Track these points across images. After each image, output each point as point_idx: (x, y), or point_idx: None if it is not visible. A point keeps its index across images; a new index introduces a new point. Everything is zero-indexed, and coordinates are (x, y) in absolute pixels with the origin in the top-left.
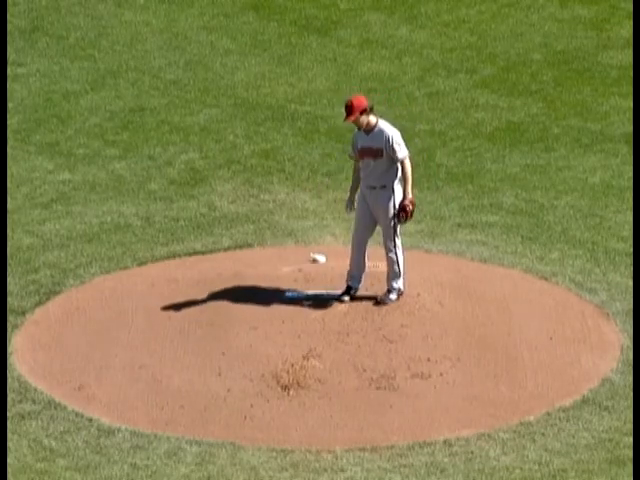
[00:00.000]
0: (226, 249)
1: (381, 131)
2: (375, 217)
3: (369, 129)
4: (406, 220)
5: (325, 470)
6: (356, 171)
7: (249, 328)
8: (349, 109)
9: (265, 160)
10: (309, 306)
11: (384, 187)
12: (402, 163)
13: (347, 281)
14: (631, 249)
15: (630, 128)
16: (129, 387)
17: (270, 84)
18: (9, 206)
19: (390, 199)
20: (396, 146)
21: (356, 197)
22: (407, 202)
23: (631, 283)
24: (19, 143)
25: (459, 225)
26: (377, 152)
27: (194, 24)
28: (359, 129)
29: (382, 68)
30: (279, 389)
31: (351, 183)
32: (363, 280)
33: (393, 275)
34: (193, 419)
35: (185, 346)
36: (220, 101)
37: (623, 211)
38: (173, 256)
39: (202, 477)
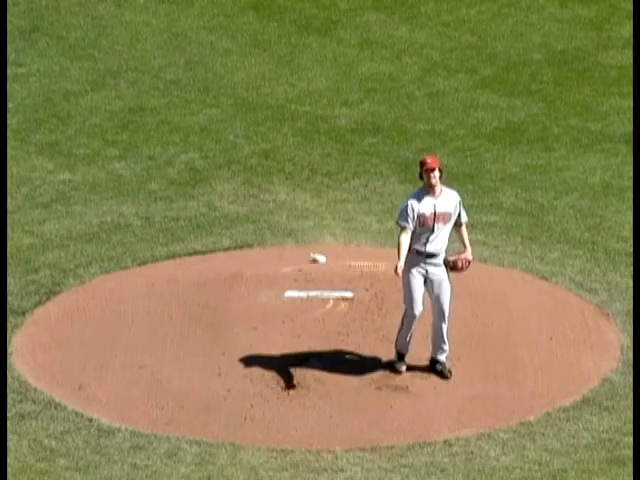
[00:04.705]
0: (226, 249)
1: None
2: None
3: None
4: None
5: (325, 470)
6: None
7: (249, 328)
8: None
9: (265, 160)
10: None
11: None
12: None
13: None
14: (631, 249)
15: (630, 128)
16: (129, 387)
17: (270, 84)
18: (9, 206)
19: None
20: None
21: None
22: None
23: (631, 283)
24: (19, 143)
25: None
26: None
27: (194, 24)
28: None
29: (382, 68)
30: (279, 389)
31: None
32: (365, 280)
33: (443, 351)
34: (193, 419)
35: (185, 346)
36: (220, 101)
37: (623, 211)
38: (173, 256)
39: (202, 477)
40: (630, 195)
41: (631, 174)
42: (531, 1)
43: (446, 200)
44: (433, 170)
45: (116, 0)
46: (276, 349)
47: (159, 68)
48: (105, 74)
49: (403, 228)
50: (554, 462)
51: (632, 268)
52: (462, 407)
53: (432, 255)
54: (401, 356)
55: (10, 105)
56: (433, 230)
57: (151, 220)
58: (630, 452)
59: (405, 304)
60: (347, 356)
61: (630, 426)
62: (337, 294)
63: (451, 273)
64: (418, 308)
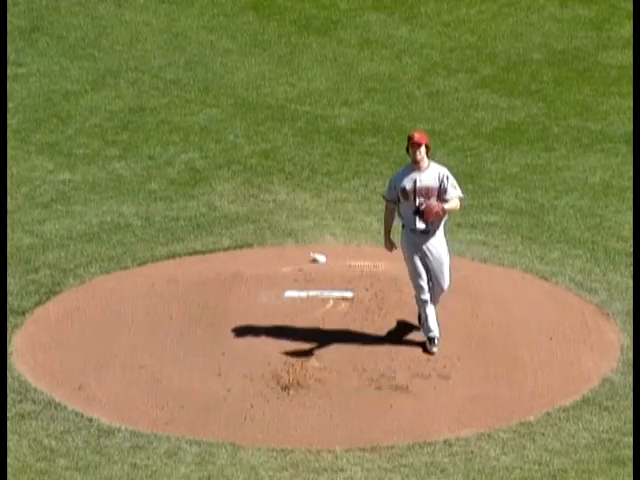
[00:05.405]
0: (226, 249)
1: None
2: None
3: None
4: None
5: (325, 470)
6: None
7: (249, 328)
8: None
9: (265, 160)
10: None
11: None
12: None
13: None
14: (631, 249)
15: (630, 128)
16: (129, 387)
17: (270, 84)
18: (9, 206)
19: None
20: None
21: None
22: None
23: (631, 283)
24: (19, 143)
25: (459, 225)
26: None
27: (194, 24)
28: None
29: (382, 68)
30: (279, 389)
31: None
32: (365, 280)
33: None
34: (193, 419)
35: (185, 346)
36: (220, 101)
37: (623, 211)
38: (173, 256)
39: (202, 477)
40: (630, 195)
41: (631, 174)
42: (531, 1)
43: (430, 175)
44: (419, 145)
45: (116, 0)
46: (276, 349)
47: (159, 68)
48: (105, 74)
49: (386, 201)
50: (554, 462)
51: (632, 268)
52: (462, 407)
53: (425, 232)
54: (431, 340)
55: (10, 105)
56: (415, 205)
57: (151, 220)
58: (630, 452)
59: (412, 283)
60: (347, 356)
61: (630, 426)
62: (337, 294)
63: (424, 221)
64: (424, 285)
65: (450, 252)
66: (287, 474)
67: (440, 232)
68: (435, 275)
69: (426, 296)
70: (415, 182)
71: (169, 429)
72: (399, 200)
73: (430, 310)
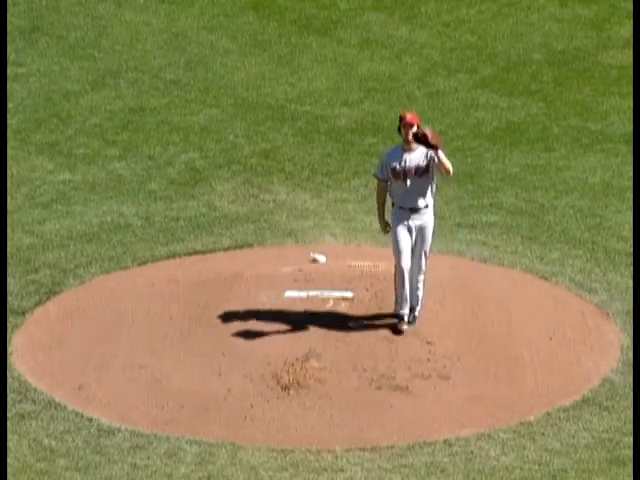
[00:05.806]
0: (226, 249)
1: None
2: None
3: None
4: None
5: (325, 470)
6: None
7: (249, 328)
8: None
9: (265, 160)
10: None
11: (427, 206)
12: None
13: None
14: (631, 249)
15: (630, 128)
16: (129, 387)
17: (270, 84)
18: (9, 206)
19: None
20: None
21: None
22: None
23: (631, 283)
24: (19, 143)
25: (459, 225)
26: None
27: (194, 24)
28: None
29: (382, 68)
30: (279, 389)
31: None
32: (365, 280)
33: (418, 300)
34: (193, 419)
35: (185, 346)
36: (220, 101)
37: (623, 211)
38: (173, 256)
39: (202, 477)
40: (630, 195)
41: (631, 174)
42: (531, 1)
43: (418, 154)
44: (411, 126)
45: (116, 0)
46: (276, 349)
47: (159, 68)
48: (105, 74)
49: (378, 180)
50: (554, 462)
51: (632, 268)
52: (462, 407)
53: (415, 210)
54: (400, 317)
55: (10, 105)
56: (406, 184)
57: (151, 220)
58: (630, 452)
59: (394, 257)
60: (347, 356)
61: (630, 426)
62: (337, 294)
63: (421, 138)
64: (405, 260)
65: (435, 234)
66: (287, 474)
67: (429, 210)
68: (415, 252)
69: (406, 265)
70: (405, 161)
71: (169, 429)
72: (389, 179)
73: (406, 286)
